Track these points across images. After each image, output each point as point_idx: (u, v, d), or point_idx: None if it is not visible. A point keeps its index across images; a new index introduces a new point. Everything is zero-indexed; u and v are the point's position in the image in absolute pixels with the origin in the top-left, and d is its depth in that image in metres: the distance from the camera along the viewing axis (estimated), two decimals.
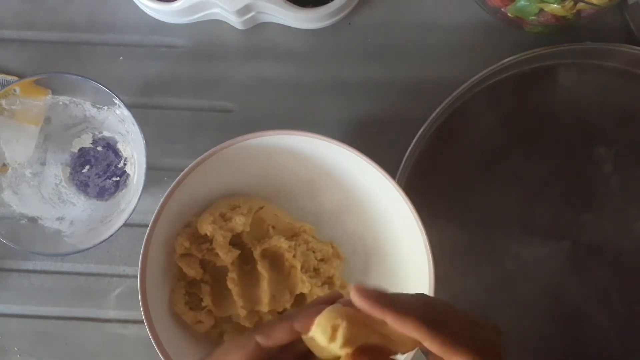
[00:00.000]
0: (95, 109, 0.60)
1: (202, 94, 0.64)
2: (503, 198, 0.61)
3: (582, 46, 0.60)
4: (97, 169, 0.62)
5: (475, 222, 0.61)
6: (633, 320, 0.61)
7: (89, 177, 0.62)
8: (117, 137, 0.62)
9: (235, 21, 0.63)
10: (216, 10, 0.62)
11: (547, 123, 0.62)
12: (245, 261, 0.58)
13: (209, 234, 0.56)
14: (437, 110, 0.59)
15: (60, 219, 0.60)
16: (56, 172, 0.62)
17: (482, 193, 0.61)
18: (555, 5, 0.56)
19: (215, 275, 0.58)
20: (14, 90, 0.57)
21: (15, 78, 0.64)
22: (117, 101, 0.56)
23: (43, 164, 0.61)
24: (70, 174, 0.62)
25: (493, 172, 0.61)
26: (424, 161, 0.60)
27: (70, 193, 0.62)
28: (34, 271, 0.63)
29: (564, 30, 0.63)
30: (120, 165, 0.62)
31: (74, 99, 0.59)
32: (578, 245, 0.61)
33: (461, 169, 0.61)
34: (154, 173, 0.61)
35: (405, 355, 0.52)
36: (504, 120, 0.61)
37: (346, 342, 0.36)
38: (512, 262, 0.61)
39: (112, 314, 0.63)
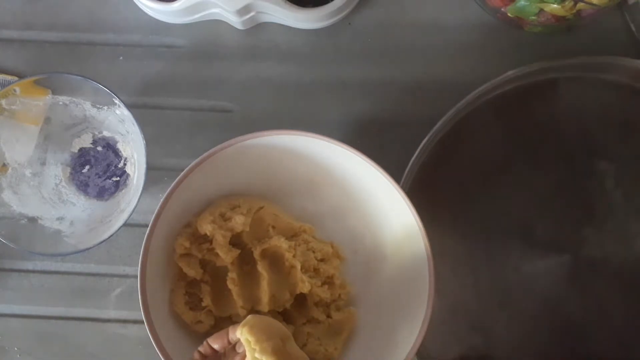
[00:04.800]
0: (95, 109, 0.60)
1: (202, 94, 0.64)
2: (505, 209, 0.61)
3: (586, 60, 0.60)
4: (97, 169, 0.62)
5: (477, 232, 0.61)
6: (632, 336, 0.60)
7: (89, 177, 0.62)
8: (117, 137, 0.62)
9: (235, 21, 0.63)
10: (216, 10, 0.62)
11: (551, 136, 0.61)
12: (245, 261, 0.58)
13: (208, 234, 0.56)
14: (443, 119, 0.59)
15: (60, 219, 0.60)
16: (56, 172, 0.62)
17: (484, 203, 0.61)
18: (555, 5, 0.56)
19: (215, 275, 0.58)
20: (14, 90, 0.57)
21: (15, 78, 0.64)
22: (117, 101, 0.56)
23: (43, 164, 0.61)
24: (70, 174, 0.62)
25: (496, 183, 0.61)
26: (429, 169, 0.60)
27: (70, 193, 0.62)
28: (34, 271, 0.63)
29: (564, 30, 0.63)
30: (120, 165, 0.62)
31: (74, 99, 0.59)
32: (578, 259, 0.61)
33: (465, 178, 0.61)
34: (154, 173, 0.61)
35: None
36: (508, 132, 0.61)
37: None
38: (512, 273, 0.61)
39: (112, 314, 0.63)
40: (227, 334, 0.50)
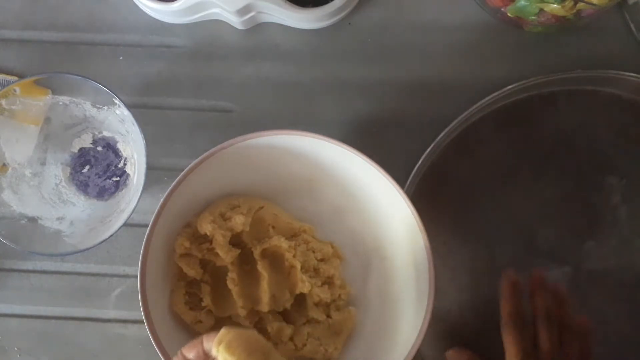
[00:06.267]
0: (95, 109, 0.60)
1: (202, 94, 0.64)
2: (508, 217, 0.61)
3: (601, 74, 0.60)
4: (97, 169, 0.62)
5: (479, 238, 0.61)
6: (627, 353, 0.60)
7: (89, 177, 0.62)
8: (117, 137, 0.62)
9: (236, 21, 0.63)
10: (216, 10, 0.62)
11: (561, 147, 0.61)
12: (245, 261, 0.58)
13: (208, 233, 0.56)
14: (455, 122, 0.59)
15: (60, 219, 0.60)
16: (56, 172, 0.62)
17: (487, 210, 0.61)
18: (555, 5, 0.56)
19: (215, 275, 0.58)
20: (14, 90, 0.57)
21: (15, 78, 0.64)
22: (117, 101, 0.56)
23: (43, 164, 0.61)
24: (70, 174, 0.62)
25: (500, 191, 0.61)
26: (433, 174, 0.60)
27: (70, 193, 0.62)
28: (34, 271, 0.63)
29: (564, 30, 0.63)
30: (120, 165, 0.62)
31: (74, 99, 0.59)
32: (579, 271, 0.60)
33: (469, 185, 0.61)
34: (154, 173, 0.61)
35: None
36: (518, 141, 0.61)
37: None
38: None
39: (112, 314, 0.63)
40: (202, 343, 0.46)
